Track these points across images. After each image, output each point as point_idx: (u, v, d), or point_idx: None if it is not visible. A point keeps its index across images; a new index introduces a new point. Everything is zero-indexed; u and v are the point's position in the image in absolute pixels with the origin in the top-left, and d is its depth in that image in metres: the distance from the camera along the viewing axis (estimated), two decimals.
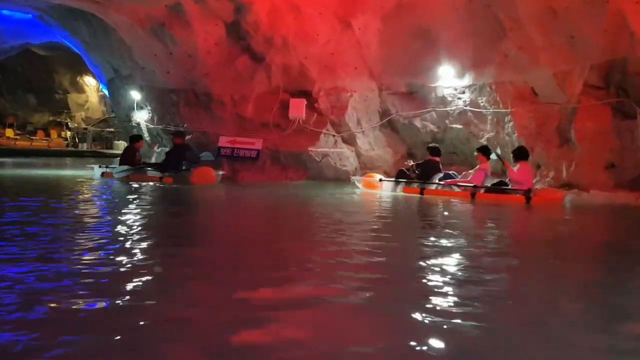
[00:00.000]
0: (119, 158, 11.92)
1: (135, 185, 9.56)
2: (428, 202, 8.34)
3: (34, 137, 27.88)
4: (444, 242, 4.58)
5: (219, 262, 3.68)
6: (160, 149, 13.69)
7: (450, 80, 11.13)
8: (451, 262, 3.72)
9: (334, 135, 11.91)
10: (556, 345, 2.22)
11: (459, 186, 9.00)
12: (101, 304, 2.54)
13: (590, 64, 9.11)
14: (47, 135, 28.79)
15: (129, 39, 12.71)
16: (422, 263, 3.62)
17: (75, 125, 29.84)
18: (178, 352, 2.04)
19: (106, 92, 17.31)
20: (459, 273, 3.39)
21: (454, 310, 2.59)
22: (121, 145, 23.04)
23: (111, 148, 27.13)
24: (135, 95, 13.82)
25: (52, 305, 2.51)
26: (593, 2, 8.54)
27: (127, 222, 5.26)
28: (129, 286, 2.85)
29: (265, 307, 2.59)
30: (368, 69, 11.88)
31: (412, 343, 2.15)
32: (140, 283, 2.93)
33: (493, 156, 9.16)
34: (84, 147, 27.40)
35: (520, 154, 8.80)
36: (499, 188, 8.73)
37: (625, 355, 2.15)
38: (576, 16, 8.83)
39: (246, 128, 12.10)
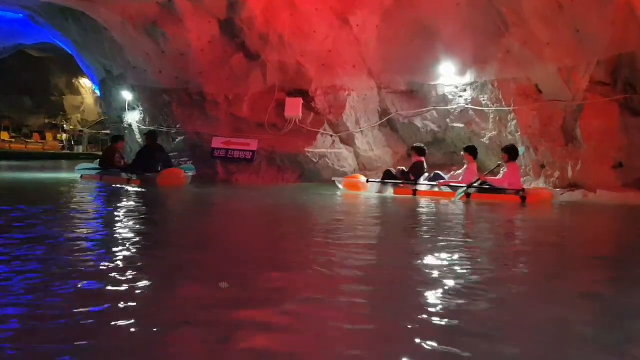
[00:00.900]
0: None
1: (101, 187, 9.34)
2: (431, 204, 8.03)
3: (29, 140, 27.74)
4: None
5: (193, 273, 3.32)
6: None
7: (451, 78, 10.84)
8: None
9: (331, 136, 11.60)
10: None
11: (452, 187, 8.89)
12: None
13: (597, 59, 8.81)
14: (43, 138, 28.63)
15: (120, 37, 12.40)
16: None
17: (71, 127, 29.65)
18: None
19: (99, 93, 17.00)
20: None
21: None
22: None
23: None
24: (127, 95, 13.52)
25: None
26: None
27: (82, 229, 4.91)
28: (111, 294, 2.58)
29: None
30: (367, 67, 11.57)
31: None
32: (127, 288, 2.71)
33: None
34: (79, 149, 27.15)
35: (515, 153, 8.86)
36: (494, 188, 8.65)
37: None
38: (582, 9, 8.54)
39: (241, 128, 11.81)
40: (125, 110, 13.89)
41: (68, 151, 26.80)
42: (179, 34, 11.64)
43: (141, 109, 13.53)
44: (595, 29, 8.60)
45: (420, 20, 10.52)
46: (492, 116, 10.46)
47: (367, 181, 9.62)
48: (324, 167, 11.33)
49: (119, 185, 9.75)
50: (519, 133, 9.92)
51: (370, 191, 9.54)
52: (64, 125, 29.73)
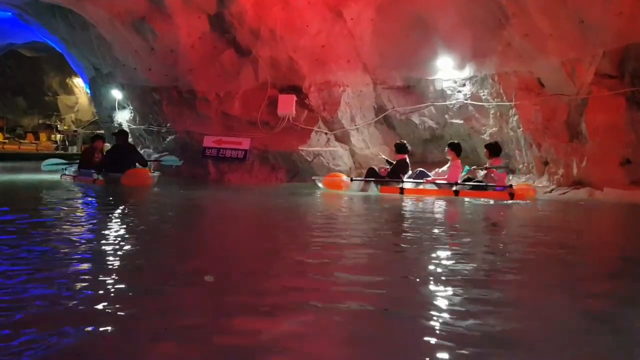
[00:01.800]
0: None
1: (71, 188, 9.01)
2: (424, 202, 7.77)
3: (22, 141, 27.36)
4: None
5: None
6: (143, 150, 13.02)
7: (449, 73, 10.53)
8: None
9: (326, 133, 11.28)
10: None
11: (437, 184, 8.83)
12: None
13: (603, 51, 8.44)
14: (37, 138, 28.30)
15: (108, 34, 12.10)
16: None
17: (65, 127, 29.25)
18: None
19: (89, 91, 16.67)
20: None
21: None
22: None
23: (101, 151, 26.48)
24: (117, 94, 13.20)
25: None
26: None
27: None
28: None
29: None
30: (362, 61, 11.24)
31: None
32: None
33: (465, 172, 9.04)
34: (73, 150, 26.72)
35: (497, 150, 8.92)
36: (482, 185, 8.65)
37: None
38: None
39: (232, 127, 11.52)
40: (115, 110, 13.54)
41: (62, 151, 26.39)
42: (168, 30, 11.39)
43: (131, 107, 13.21)
44: (601, 20, 8.23)
45: (417, 13, 10.20)
46: (492, 112, 10.17)
47: (352, 179, 9.40)
48: (319, 166, 10.99)
49: (86, 186, 9.47)
50: (521, 129, 9.61)
51: (352, 190, 9.30)
52: (58, 126, 29.35)
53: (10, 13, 15.69)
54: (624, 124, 8.42)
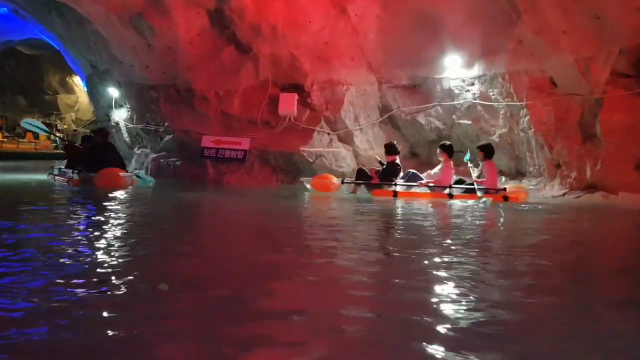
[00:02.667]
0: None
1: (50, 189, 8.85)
2: (420, 205, 7.55)
3: (21, 140, 27.23)
4: None
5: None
6: (140, 150, 12.72)
7: (457, 71, 10.25)
8: None
9: (328, 134, 11.02)
10: None
11: (430, 187, 8.70)
12: None
13: (619, 49, 8.10)
14: (36, 137, 28.15)
15: (105, 30, 11.83)
16: None
17: (65, 126, 29.09)
18: None
19: (86, 89, 16.38)
20: None
21: None
22: None
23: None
24: (113, 92, 12.91)
25: None
26: None
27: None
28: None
29: None
30: (366, 59, 10.96)
31: None
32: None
33: (467, 157, 8.98)
34: None
35: (490, 151, 8.77)
36: (477, 188, 8.50)
37: None
38: None
39: (232, 126, 11.28)
40: (112, 108, 13.24)
41: (61, 151, 26.18)
42: (166, 26, 11.15)
43: (128, 106, 12.91)
44: (617, 16, 7.90)
45: (424, 9, 9.92)
46: (502, 112, 9.86)
47: (342, 181, 9.12)
48: (321, 167, 10.71)
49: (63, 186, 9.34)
50: (532, 130, 9.28)
51: (342, 192, 9.06)
52: (57, 125, 29.21)
53: (6, 9, 15.42)
54: None
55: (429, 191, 8.68)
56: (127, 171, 9.64)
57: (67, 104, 30.27)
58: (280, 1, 10.40)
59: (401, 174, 9.11)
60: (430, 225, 5.78)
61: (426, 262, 3.55)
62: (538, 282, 3.18)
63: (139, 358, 1.93)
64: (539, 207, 7.69)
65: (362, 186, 9.05)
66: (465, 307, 2.53)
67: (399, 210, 7.21)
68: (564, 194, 8.76)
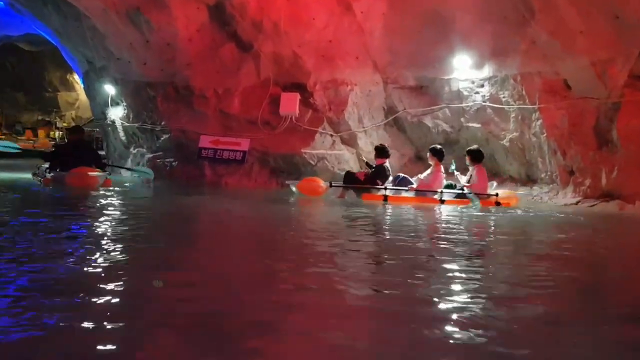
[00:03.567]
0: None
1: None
2: (413, 211, 7.58)
3: (20, 137, 27.08)
4: None
5: None
6: (136, 149, 12.42)
7: (466, 72, 10.06)
8: None
9: (331, 135, 10.83)
10: None
11: (421, 192, 8.57)
12: None
13: (639, 51, 7.82)
14: (35, 135, 28.04)
15: (102, 26, 11.58)
16: None
17: (65, 124, 28.90)
18: None
19: (83, 86, 16.13)
20: None
21: None
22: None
23: (101, 149, 26.05)
24: (110, 89, 12.66)
25: None
26: None
27: None
28: None
29: None
30: (371, 59, 10.76)
31: None
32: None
33: (452, 167, 8.75)
34: None
35: (479, 155, 8.62)
36: (467, 193, 8.38)
37: None
38: None
39: (231, 126, 11.08)
40: (108, 106, 12.96)
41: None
42: (165, 22, 10.90)
43: (124, 104, 12.68)
44: (637, 15, 7.59)
45: (432, 7, 9.71)
46: (513, 115, 9.63)
47: (331, 185, 8.80)
48: (323, 170, 10.50)
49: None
50: (545, 134, 9.03)
51: (329, 195, 8.79)
52: (57, 122, 29.07)
53: (2, 3, 15.15)
54: None
55: (422, 196, 8.52)
56: (103, 170, 9.26)
57: (67, 102, 30.07)
58: None
59: (390, 178, 8.91)
60: (447, 233, 5.41)
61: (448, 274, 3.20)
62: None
63: None
64: (551, 218, 7.39)
65: (351, 190, 8.83)
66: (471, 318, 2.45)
67: (388, 216, 7.09)
68: (577, 202, 8.48)
